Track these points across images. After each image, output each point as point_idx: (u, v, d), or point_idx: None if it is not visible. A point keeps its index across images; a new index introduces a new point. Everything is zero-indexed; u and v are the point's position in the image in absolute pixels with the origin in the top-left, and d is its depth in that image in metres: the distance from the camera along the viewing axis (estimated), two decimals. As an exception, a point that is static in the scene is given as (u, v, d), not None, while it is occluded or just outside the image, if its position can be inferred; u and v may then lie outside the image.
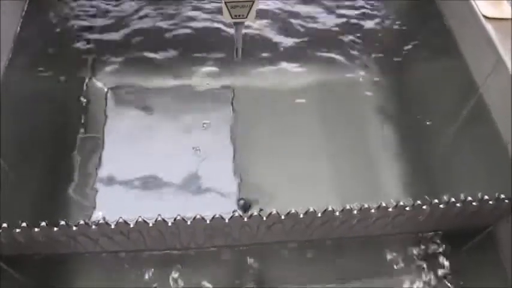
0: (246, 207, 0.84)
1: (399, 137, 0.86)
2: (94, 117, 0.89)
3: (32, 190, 0.77)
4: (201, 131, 0.91)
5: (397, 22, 0.92)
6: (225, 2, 0.65)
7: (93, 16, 0.90)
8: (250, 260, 0.72)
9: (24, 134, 0.79)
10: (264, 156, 0.86)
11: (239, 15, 0.67)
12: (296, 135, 0.88)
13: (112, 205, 0.82)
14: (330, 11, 0.94)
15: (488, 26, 0.70)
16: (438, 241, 0.74)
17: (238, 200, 0.84)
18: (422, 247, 0.74)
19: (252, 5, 0.66)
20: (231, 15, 0.67)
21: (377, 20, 0.94)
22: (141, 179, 0.85)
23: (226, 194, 0.85)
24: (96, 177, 0.83)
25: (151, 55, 0.94)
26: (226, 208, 0.83)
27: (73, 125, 0.87)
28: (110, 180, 0.85)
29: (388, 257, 0.73)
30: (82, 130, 0.87)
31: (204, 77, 0.95)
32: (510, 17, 0.70)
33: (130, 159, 0.87)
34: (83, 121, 0.88)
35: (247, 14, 0.67)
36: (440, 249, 0.73)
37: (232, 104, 0.93)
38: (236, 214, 0.60)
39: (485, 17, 0.70)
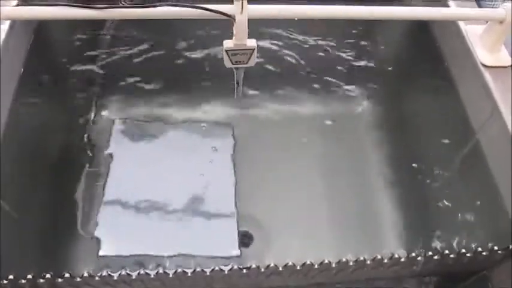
0: (246, 238, 0.87)
1: (396, 178, 0.87)
2: (100, 149, 0.91)
3: (38, 227, 0.79)
4: (203, 163, 0.93)
5: (397, 64, 0.92)
6: (226, 51, 0.65)
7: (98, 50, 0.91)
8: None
9: (28, 169, 0.80)
10: (263, 190, 0.88)
11: (240, 62, 0.67)
12: (296, 171, 0.90)
13: (115, 232, 0.85)
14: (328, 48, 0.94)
15: (486, 74, 0.70)
16: (433, 282, 0.75)
17: (239, 231, 0.87)
18: (418, 288, 0.76)
19: (252, 52, 0.66)
20: (231, 61, 0.67)
21: (378, 61, 0.95)
22: (144, 208, 0.88)
23: (227, 223, 0.88)
24: (100, 205, 0.86)
25: (154, 89, 0.96)
26: (228, 236, 0.86)
27: (78, 158, 0.88)
28: (114, 208, 0.87)
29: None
30: (87, 163, 0.89)
31: (205, 110, 0.96)
32: (508, 65, 0.71)
33: (134, 187, 0.90)
34: (89, 154, 0.90)
35: (248, 60, 0.67)
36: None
37: (233, 136, 0.94)
38: (235, 266, 0.61)
39: (484, 65, 0.70)
